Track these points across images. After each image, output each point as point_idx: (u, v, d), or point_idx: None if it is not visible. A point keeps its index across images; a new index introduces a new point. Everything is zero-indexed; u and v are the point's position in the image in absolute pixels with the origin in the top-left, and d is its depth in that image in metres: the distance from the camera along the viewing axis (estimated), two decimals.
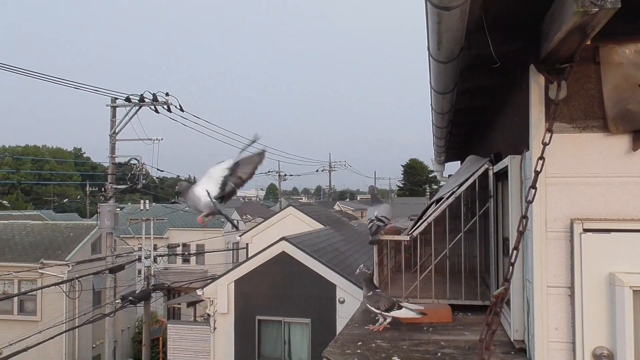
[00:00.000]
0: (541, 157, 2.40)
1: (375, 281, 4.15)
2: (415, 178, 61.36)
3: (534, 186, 2.38)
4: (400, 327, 3.62)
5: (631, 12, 2.42)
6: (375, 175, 59.17)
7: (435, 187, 49.93)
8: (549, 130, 2.43)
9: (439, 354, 3.00)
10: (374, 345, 3.20)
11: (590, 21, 2.02)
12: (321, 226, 17.48)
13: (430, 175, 56.63)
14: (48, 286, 15.22)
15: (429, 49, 2.81)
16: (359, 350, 3.09)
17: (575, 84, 2.58)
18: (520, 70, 2.98)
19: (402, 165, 64.36)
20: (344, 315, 11.68)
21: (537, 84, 2.64)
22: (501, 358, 2.85)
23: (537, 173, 2.39)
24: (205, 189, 2.87)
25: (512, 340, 3.03)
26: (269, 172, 38.94)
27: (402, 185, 64.69)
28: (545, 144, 2.41)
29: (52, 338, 13.52)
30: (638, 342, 2.43)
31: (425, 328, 3.58)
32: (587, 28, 2.09)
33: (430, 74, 3.33)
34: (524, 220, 2.38)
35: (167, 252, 28.41)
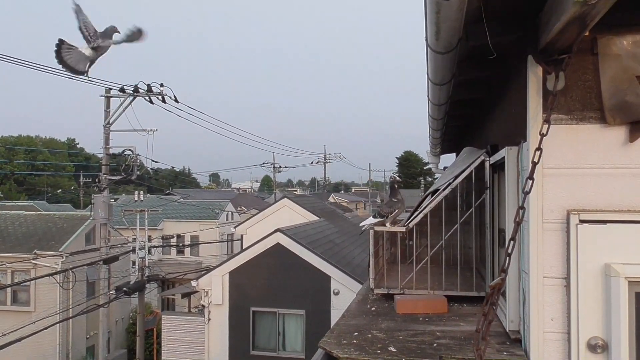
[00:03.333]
0: (538, 148, 2.40)
1: (371, 272, 4.16)
2: (410, 170, 61.51)
3: (531, 177, 2.39)
4: (395, 317, 3.63)
5: (630, 3, 2.42)
6: (370, 168, 59.10)
7: (430, 179, 50.09)
8: (547, 121, 2.43)
9: (435, 345, 3.01)
10: (370, 335, 3.21)
11: (589, 11, 2.02)
12: (316, 218, 17.50)
13: (424, 168, 56.80)
14: (42, 277, 15.19)
15: (426, 40, 2.80)
16: (355, 341, 3.10)
17: (573, 75, 2.58)
18: (518, 62, 2.97)
19: (396, 158, 64.57)
20: (338, 306, 11.73)
21: (534, 75, 2.64)
22: (496, 349, 2.86)
23: (534, 164, 2.40)
24: None
25: (507, 330, 3.04)
26: (263, 163, 38.91)
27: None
28: (542, 135, 2.41)
29: (45, 329, 13.50)
30: (632, 332, 2.45)
31: (421, 319, 3.59)
32: (587, 18, 2.09)
33: (428, 65, 3.32)
34: (521, 211, 2.39)
35: (161, 244, 28.39)
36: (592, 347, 2.49)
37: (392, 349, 2.95)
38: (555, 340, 2.61)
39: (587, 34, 2.37)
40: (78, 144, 78.04)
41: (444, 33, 2.47)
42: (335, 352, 2.92)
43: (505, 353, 2.80)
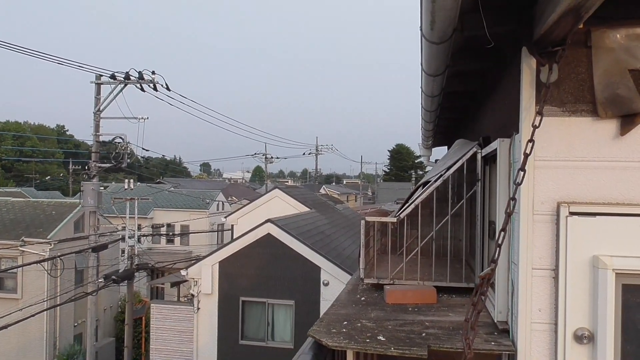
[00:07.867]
0: (531, 140, 2.41)
1: (362, 262, 4.17)
2: (402, 163, 61.63)
3: (522, 168, 2.40)
4: (385, 307, 3.65)
5: None
6: (361, 160, 59.16)
7: (421, 172, 50.22)
8: (539, 113, 2.44)
9: (424, 334, 3.03)
10: (359, 324, 3.22)
11: (584, 3, 2.02)
12: (307, 209, 17.50)
13: (416, 161, 56.96)
14: (29, 264, 15.06)
15: (421, 29, 2.79)
16: (344, 330, 3.11)
17: (566, 67, 2.59)
18: (512, 53, 2.97)
19: (388, 150, 64.65)
20: (327, 297, 11.76)
21: (528, 66, 2.64)
22: (484, 339, 2.89)
23: (526, 155, 2.41)
24: None
25: (495, 321, 3.07)
26: (255, 154, 38.77)
27: (388, 170, 64.96)
28: (535, 127, 2.42)
29: (32, 316, 13.42)
30: (618, 324, 2.48)
31: (410, 309, 3.61)
32: (581, 10, 2.09)
33: (422, 56, 3.31)
34: (512, 202, 2.40)
35: (151, 232, 28.30)
36: (579, 338, 2.52)
37: (381, 338, 2.96)
38: (543, 330, 2.64)
39: (581, 26, 2.37)
40: (67, 130, 77.41)
41: (439, 23, 2.46)
42: (324, 341, 2.93)
43: (493, 343, 2.82)
